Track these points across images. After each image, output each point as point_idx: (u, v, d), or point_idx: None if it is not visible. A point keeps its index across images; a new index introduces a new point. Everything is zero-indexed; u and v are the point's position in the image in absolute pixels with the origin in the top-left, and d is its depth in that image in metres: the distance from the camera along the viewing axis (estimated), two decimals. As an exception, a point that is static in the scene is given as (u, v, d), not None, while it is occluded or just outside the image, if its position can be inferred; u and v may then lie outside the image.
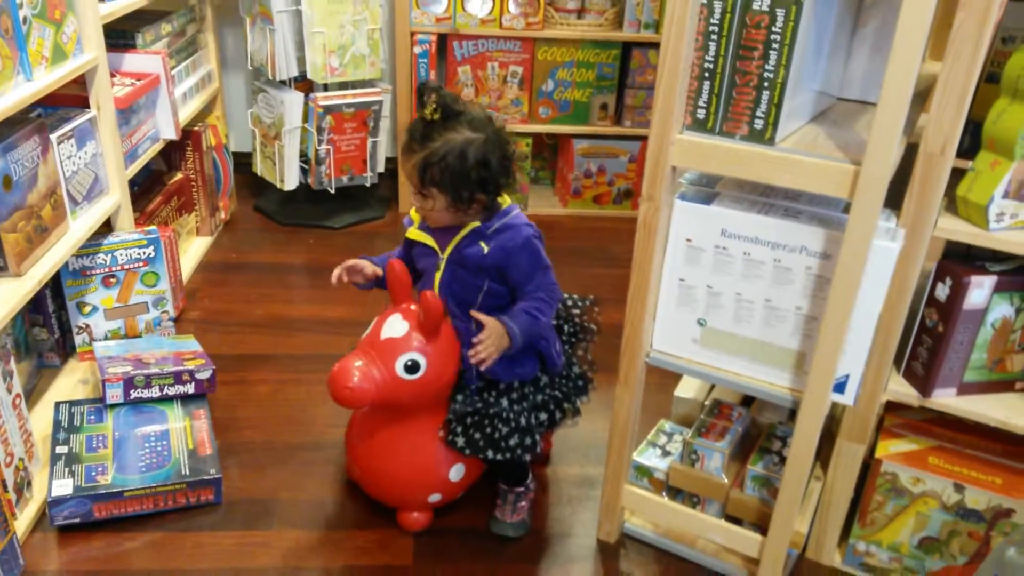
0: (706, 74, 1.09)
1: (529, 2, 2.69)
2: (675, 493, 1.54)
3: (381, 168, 2.85)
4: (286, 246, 2.68)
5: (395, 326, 1.41)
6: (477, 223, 1.43)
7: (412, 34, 2.69)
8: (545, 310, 1.44)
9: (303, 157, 2.71)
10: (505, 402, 1.48)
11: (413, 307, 1.45)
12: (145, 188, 2.31)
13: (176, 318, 2.10)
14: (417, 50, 2.70)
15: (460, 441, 1.46)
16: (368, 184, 2.83)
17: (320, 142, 2.64)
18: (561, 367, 1.56)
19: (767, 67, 1.05)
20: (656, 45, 2.78)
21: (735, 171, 1.15)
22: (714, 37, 1.07)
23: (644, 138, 2.90)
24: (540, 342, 1.50)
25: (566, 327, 1.62)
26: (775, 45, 1.04)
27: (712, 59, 1.08)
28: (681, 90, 1.11)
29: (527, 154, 2.94)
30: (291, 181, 2.71)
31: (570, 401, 1.56)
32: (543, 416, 1.52)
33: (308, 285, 2.47)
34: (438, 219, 1.44)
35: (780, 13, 1.02)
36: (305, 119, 2.63)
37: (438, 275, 1.47)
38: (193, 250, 2.53)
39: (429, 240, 1.48)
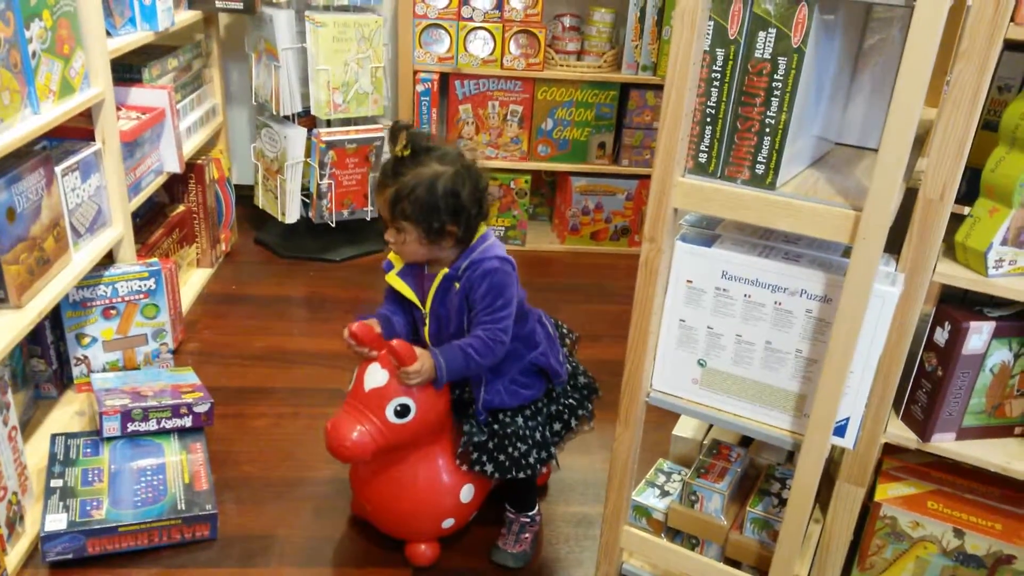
0: (708, 119, 1.11)
1: (530, 44, 2.74)
2: (674, 534, 1.53)
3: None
4: (286, 278, 2.68)
5: (376, 375, 1.42)
6: (446, 269, 1.47)
7: (415, 72, 2.73)
8: (482, 351, 1.44)
9: (304, 191, 2.73)
10: (520, 420, 1.51)
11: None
12: (147, 220, 2.32)
13: (175, 350, 2.10)
14: (419, 88, 2.73)
15: (489, 468, 1.49)
16: (368, 218, 2.84)
17: (322, 176, 2.66)
18: (566, 376, 1.60)
19: (769, 113, 1.07)
20: (653, 87, 2.83)
21: (736, 215, 1.16)
22: (716, 84, 1.08)
23: (641, 177, 2.94)
24: (539, 357, 1.54)
25: (562, 350, 1.65)
26: (777, 92, 1.05)
27: (714, 105, 1.10)
28: (683, 135, 1.13)
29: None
30: (292, 214, 2.73)
31: (583, 407, 1.61)
32: (558, 426, 1.57)
33: (307, 318, 2.47)
34: (412, 253, 1.47)
35: (782, 61, 1.04)
36: (308, 154, 2.66)
37: (425, 329, 1.52)
38: (193, 281, 2.54)
39: (408, 292, 1.51)
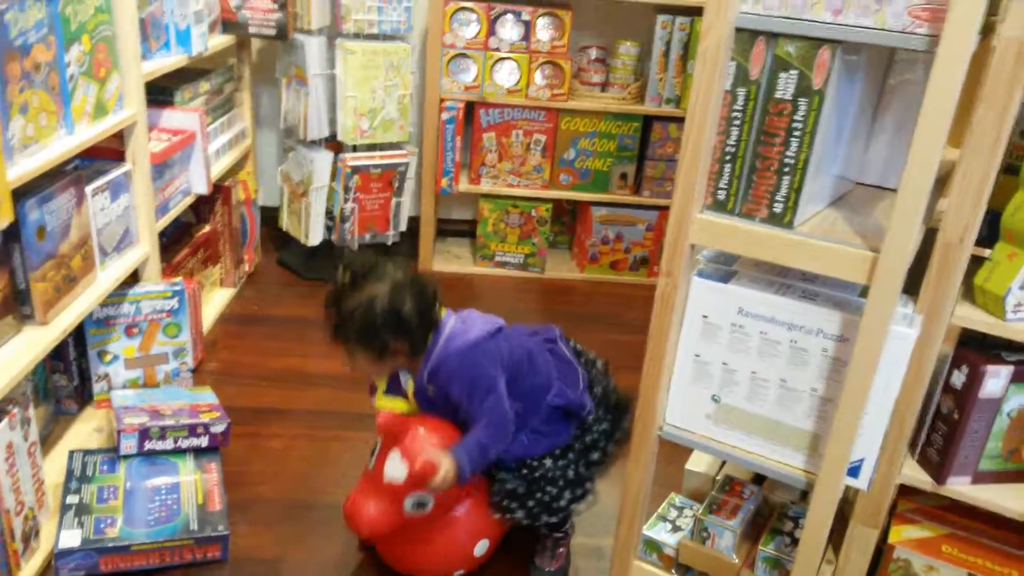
0: (727, 157, 1.12)
1: (555, 74, 2.77)
2: (685, 570, 1.51)
3: (403, 227, 2.89)
4: (307, 300, 2.71)
5: (395, 469, 1.42)
6: (412, 382, 1.50)
7: (441, 100, 2.76)
8: (494, 435, 1.43)
9: (328, 214, 2.76)
10: (549, 462, 1.50)
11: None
12: (173, 239, 2.36)
13: (194, 369, 2.12)
14: (445, 116, 2.77)
15: (520, 514, 1.49)
16: (390, 243, 2.87)
17: (346, 200, 2.70)
18: (592, 404, 1.58)
19: (788, 153, 1.08)
20: (676, 119, 2.84)
21: (753, 252, 1.16)
22: (736, 122, 1.10)
23: (662, 208, 2.95)
24: (555, 399, 1.53)
25: (596, 389, 1.64)
26: (796, 132, 1.06)
27: (734, 144, 1.11)
28: (702, 172, 1.14)
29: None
30: (315, 237, 2.76)
31: (619, 428, 1.60)
32: (596, 455, 1.56)
33: (326, 340, 2.48)
34: (368, 371, 1.50)
35: (802, 102, 1.05)
36: (333, 178, 2.69)
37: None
38: (216, 301, 2.57)
39: (400, 405, 1.53)
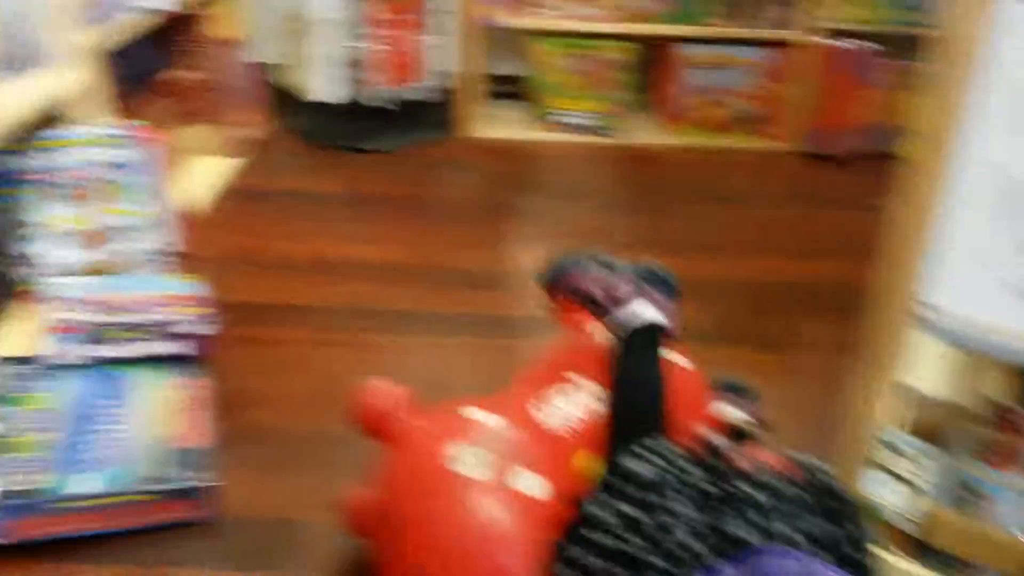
0: None
1: None
2: (923, 551, 0.95)
3: (436, 81, 2.27)
4: (322, 171, 2.15)
5: None
6: None
7: None
8: None
9: (338, 60, 2.15)
10: None
11: None
12: (138, 82, 1.78)
13: (180, 253, 1.57)
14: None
15: None
16: (420, 98, 2.26)
17: (356, 37, 2.08)
18: None
19: None
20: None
21: None
22: None
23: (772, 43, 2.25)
24: None
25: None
26: None
27: None
28: None
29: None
30: (324, 91, 2.16)
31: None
32: None
33: (349, 218, 1.92)
34: None
35: None
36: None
37: None
38: (210, 171, 2.01)
39: None
